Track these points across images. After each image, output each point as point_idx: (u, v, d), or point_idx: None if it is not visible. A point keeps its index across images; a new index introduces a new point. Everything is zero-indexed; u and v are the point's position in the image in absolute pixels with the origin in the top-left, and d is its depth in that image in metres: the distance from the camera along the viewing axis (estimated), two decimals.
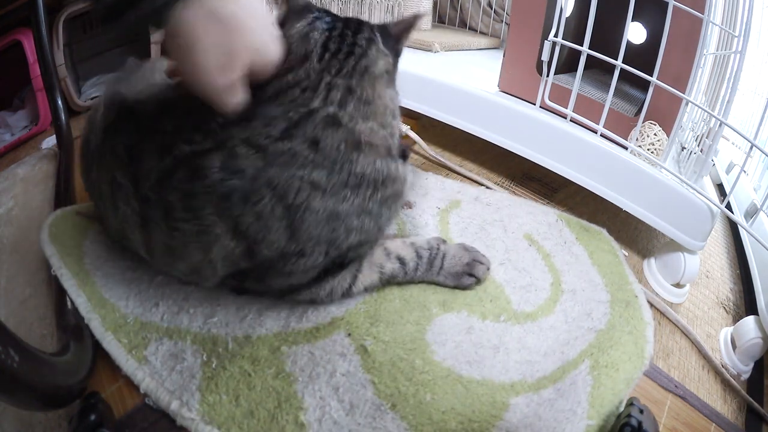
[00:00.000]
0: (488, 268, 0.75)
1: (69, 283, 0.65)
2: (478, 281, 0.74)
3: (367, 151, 0.57)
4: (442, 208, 0.93)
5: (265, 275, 0.61)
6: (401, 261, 0.70)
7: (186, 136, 0.54)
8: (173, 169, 0.54)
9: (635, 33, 1.06)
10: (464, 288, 0.73)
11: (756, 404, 0.73)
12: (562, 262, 0.82)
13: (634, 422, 0.54)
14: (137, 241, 0.62)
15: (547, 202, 1.04)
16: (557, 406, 0.58)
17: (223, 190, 0.53)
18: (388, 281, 0.70)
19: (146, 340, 0.60)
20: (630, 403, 0.58)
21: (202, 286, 0.67)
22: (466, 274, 0.73)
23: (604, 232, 0.92)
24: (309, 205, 0.54)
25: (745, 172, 0.93)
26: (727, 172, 1.35)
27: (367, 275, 0.68)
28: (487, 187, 1.05)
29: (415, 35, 1.59)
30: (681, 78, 0.84)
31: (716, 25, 0.85)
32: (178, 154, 0.54)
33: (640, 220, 0.86)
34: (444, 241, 0.75)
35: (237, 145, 0.53)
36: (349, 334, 0.63)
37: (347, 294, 0.67)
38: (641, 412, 0.56)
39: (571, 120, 0.93)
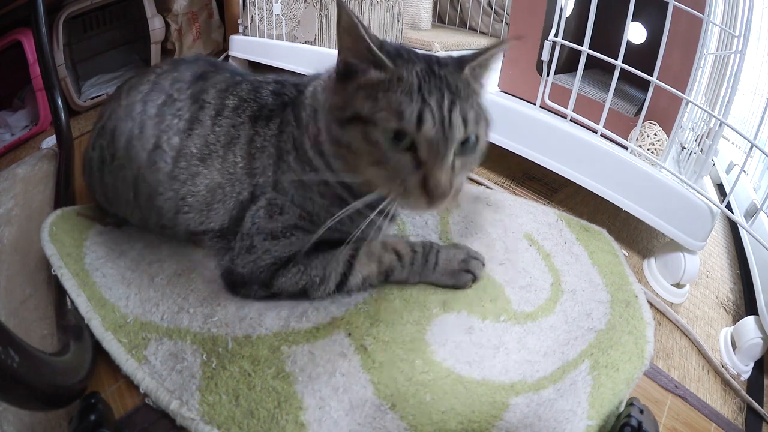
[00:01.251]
0: (483, 264, 0.76)
1: (69, 283, 0.65)
2: (475, 279, 0.74)
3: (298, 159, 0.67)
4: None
5: (255, 235, 0.67)
6: (398, 254, 0.71)
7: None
8: (239, 83, 0.73)
9: (635, 33, 1.06)
10: (462, 286, 0.73)
11: (756, 404, 0.73)
12: (562, 262, 0.82)
13: (634, 422, 0.54)
14: (167, 155, 0.69)
15: (548, 202, 1.04)
16: (557, 407, 0.58)
17: (262, 102, 0.71)
18: (386, 274, 0.71)
19: (146, 340, 0.60)
20: (630, 403, 0.58)
21: (207, 227, 0.70)
22: (463, 271, 0.73)
23: (604, 232, 0.92)
24: (288, 160, 0.67)
25: (745, 172, 0.93)
26: (727, 172, 1.35)
27: (365, 263, 0.69)
28: (488, 187, 1.05)
29: (415, 35, 1.60)
30: (681, 78, 0.84)
31: (716, 25, 0.85)
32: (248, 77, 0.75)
33: (640, 220, 0.86)
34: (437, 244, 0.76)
35: (287, 83, 0.73)
36: (349, 334, 0.63)
37: (343, 284, 0.68)
38: (641, 412, 0.56)
39: (571, 120, 0.93)
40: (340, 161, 0.61)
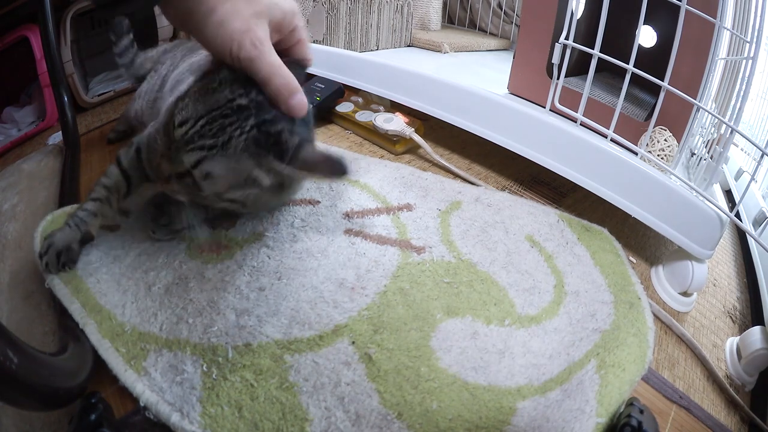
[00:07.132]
0: None
1: (62, 292, 0.64)
2: None
3: None
4: (443, 209, 0.92)
5: None
6: None
7: None
8: None
9: (645, 36, 1.04)
10: None
11: (758, 419, 0.72)
12: (565, 263, 0.82)
13: (634, 422, 0.54)
14: None
15: (556, 207, 1.03)
16: (565, 406, 0.57)
17: None
18: None
19: (145, 351, 0.59)
20: (630, 403, 0.58)
21: None
22: None
23: (605, 231, 0.91)
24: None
25: (754, 179, 0.92)
26: (736, 178, 1.34)
27: None
28: (475, 184, 1.04)
29: (424, 36, 1.59)
30: (692, 83, 0.83)
31: (728, 30, 0.84)
32: None
33: (648, 227, 0.85)
34: None
35: None
36: (353, 342, 0.63)
37: None
38: (641, 412, 0.56)
39: (580, 124, 0.92)
40: None
